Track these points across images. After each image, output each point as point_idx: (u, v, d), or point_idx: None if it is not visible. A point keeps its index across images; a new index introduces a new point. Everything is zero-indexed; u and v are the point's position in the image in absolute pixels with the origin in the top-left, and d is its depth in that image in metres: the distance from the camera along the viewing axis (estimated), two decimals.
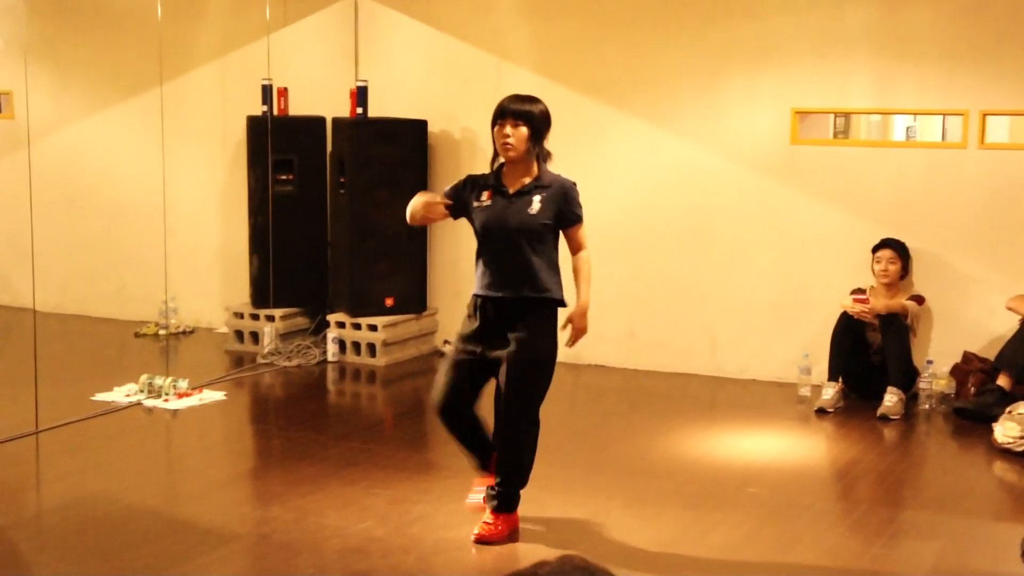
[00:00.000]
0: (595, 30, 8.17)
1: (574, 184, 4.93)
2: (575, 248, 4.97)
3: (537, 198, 4.81)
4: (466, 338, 4.88)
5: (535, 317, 4.81)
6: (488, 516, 4.91)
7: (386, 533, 4.96)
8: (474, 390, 4.97)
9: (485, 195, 4.86)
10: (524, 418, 4.89)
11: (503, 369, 4.79)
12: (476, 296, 4.88)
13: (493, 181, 4.89)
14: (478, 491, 5.06)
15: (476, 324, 4.85)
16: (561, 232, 4.93)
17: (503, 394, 4.82)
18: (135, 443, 6.53)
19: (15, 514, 5.30)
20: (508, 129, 4.80)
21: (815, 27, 7.64)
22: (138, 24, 9.00)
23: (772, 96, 7.76)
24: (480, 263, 4.88)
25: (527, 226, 4.78)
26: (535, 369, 4.83)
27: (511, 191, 4.84)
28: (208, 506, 5.38)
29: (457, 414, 4.99)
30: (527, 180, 4.85)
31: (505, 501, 4.90)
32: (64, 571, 4.63)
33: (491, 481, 4.97)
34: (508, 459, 4.89)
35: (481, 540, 4.83)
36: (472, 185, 4.94)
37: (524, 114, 4.81)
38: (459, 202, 4.92)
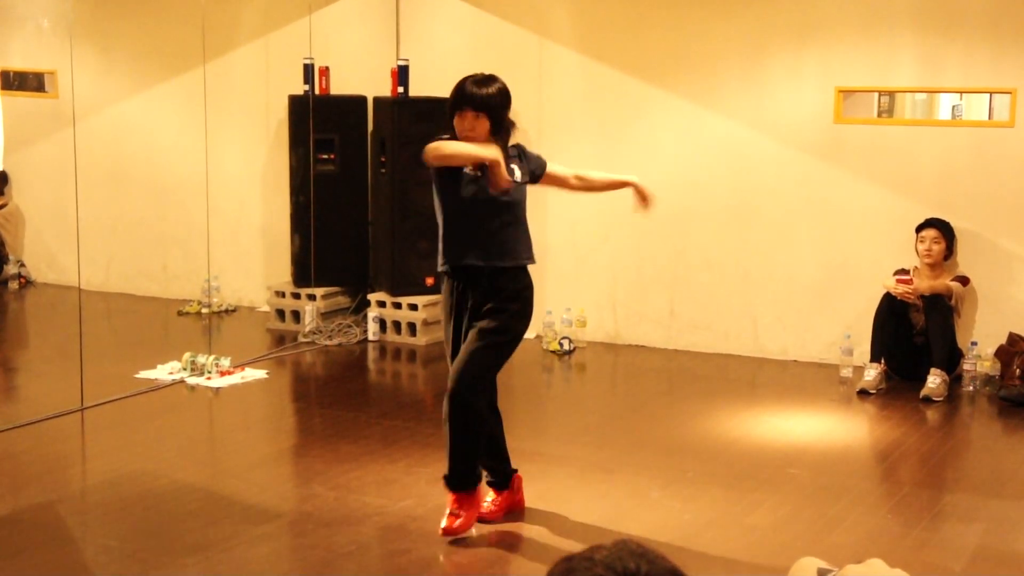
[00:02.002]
0: (637, 9, 8.13)
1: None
2: (566, 176, 5.06)
3: (515, 166, 4.76)
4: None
5: (519, 287, 4.83)
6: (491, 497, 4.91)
7: (426, 512, 4.98)
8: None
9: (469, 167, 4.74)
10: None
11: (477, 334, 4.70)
12: (456, 266, 4.76)
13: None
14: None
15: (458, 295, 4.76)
16: (543, 182, 4.96)
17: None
18: (178, 420, 6.60)
19: (61, 489, 5.38)
20: (468, 121, 4.64)
21: (860, 5, 7.57)
22: (182, 3, 9.05)
23: (816, 75, 7.70)
24: (456, 232, 4.76)
25: (515, 195, 4.76)
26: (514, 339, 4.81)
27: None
28: (250, 483, 5.43)
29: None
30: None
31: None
32: (109, 545, 4.69)
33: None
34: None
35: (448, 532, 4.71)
36: None
37: (485, 103, 4.63)
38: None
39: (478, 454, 4.77)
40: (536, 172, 4.90)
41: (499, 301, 4.73)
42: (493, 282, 4.74)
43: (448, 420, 4.65)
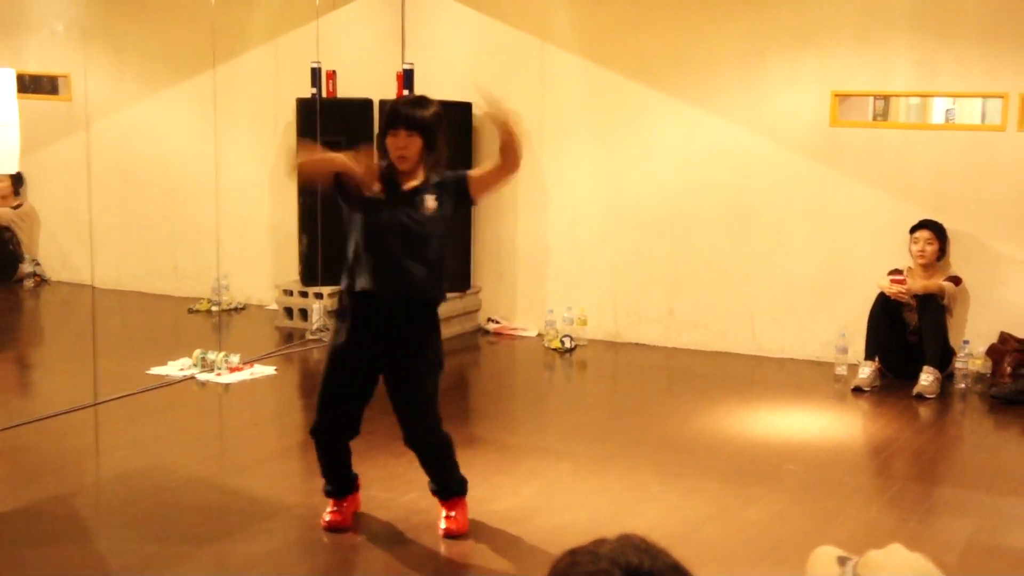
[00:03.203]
0: (637, 12, 8.14)
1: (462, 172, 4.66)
2: (487, 168, 4.63)
3: (431, 196, 4.48)
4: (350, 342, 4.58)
5: (421, 320, 4.58)
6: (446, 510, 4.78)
7: (430, 505, 4.98)
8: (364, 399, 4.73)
9: (377, 185, 4.50)
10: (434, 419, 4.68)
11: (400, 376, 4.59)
12: (355, 293, 4.55)
13: (387, 172, 4.50)
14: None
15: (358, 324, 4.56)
16: (474, 190, 4.59)
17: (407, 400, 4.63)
18: (189, 415, 6.61)
19: (76, 482, 5.40)
20: (402, 140, 4.43)
21: (856, 10, 7.57)
22: (192, 8, 9.06)
23: (813, 79, 7.71)
24: (357, 257, 4.55)
25: (417, 227, 4.46)
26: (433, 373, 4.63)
27: (403, 188, 4.49)
28: (259, 477, 5.45)
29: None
30: (418, 181, 4.50)
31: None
32: (122, 536, 4.70)
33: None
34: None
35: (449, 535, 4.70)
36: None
37: (419, 123, 4.43)
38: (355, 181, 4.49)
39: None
40: (460, 189, 4.57)
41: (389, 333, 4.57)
42: (380, 312, 4.54)
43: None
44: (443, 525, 4.73)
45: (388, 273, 4.49)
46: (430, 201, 4.49)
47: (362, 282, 4.51)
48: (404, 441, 4.69)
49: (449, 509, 4.75)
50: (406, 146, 4.44)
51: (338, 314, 4.75)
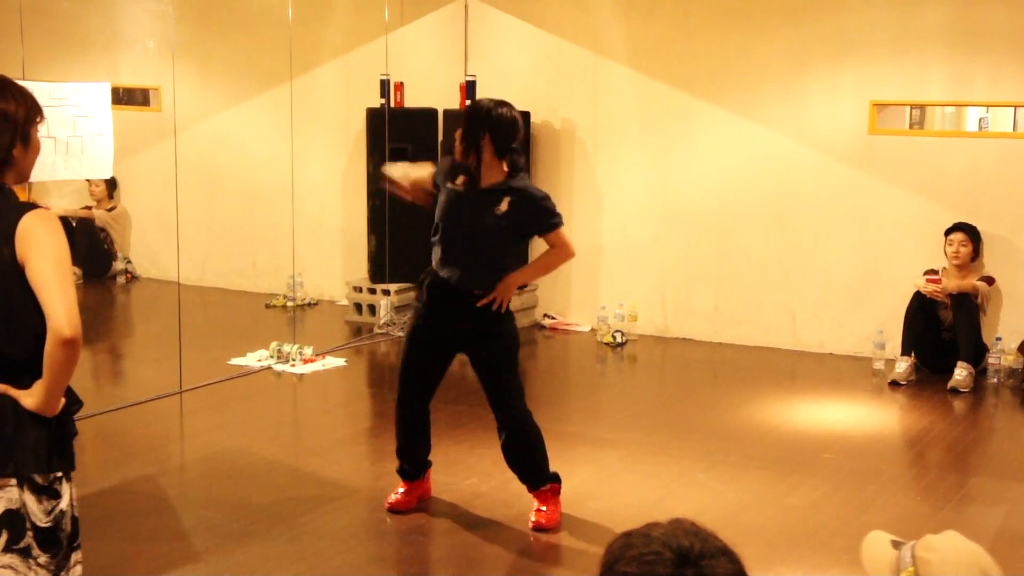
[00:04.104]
0: (686, 28, 8.08)
1: (545, 195, 4.55)
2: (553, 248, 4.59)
3: (506, 200, 4.43)
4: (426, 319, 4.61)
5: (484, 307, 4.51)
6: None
7: (490, 489, 5.00)
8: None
9: (460, 179, 4.52)
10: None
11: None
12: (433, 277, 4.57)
13: (472, 170, 4.50)
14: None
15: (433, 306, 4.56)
16: (540, 237, 4.56)
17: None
18: (266, 403, 6.66)
19: (162, 464, 5.46)
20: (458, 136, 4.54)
21: (893, 23, 7.47)
22: (271, 25, 9.14)
23: (851, 89, 7.61)
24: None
25: (489, 224, 4.43)
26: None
27: (483, 186, 4.47)
28: (330, 461, 5.48)
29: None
30: (499, 179, 4.48)
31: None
32: (204, 515, 4.76)
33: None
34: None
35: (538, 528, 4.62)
36: (452, 168, 4.61)
37: (479, 122, 4.46)
38: (436, 186, 4.64)
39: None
40: (534, 224, 4.51)
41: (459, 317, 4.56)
42: (449, 298, 4.54)
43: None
44: (532, 518, 4.61)
45: (452, 260, 4.51)
46: (504, 204, 4.44)
47: (434, 264, 4.58)
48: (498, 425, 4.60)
49: (542, 502, 4.63)
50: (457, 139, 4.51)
51: (418, 289, 4.74)
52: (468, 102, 8.31)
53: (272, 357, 7.32)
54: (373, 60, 8.85)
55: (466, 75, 8.56)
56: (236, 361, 7.29)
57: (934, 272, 7.14)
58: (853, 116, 7.62)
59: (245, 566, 4.24)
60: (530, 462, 4.63)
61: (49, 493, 2.71)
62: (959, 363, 6.84)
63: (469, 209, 4.47)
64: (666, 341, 8.18)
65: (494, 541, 4.54)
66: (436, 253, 4.55)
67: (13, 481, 2.67)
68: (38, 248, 2.62)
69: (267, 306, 9.21)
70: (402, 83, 8.74)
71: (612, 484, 5.14)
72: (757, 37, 7.86)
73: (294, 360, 7.26)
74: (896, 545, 2.12)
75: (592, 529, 4.60)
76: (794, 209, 7.85)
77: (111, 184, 10.03)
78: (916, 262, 7.34)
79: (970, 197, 7.32)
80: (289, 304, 9.13)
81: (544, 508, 4.62)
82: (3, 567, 2.69)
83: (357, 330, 8.44)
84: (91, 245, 9.88)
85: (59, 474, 2.73)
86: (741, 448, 5.69)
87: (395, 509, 4.73)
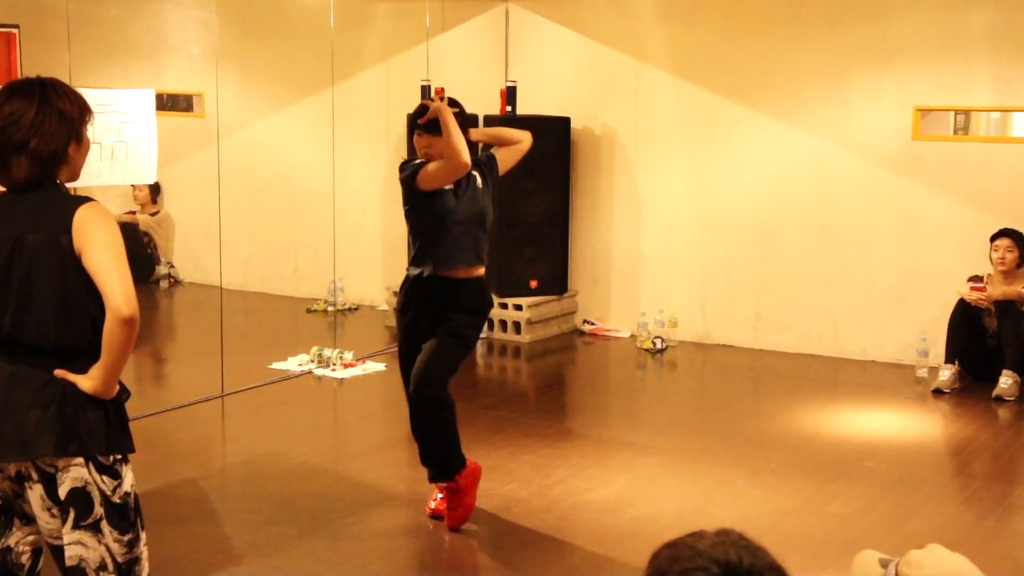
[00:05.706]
0: (727, 34, 8.05)
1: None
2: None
3: (477, 175, 4.71)
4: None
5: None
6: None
7: (529, 495, 4.99)
8: None
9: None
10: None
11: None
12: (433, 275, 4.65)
13: None
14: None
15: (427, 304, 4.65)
16: (501, 165, 4.86)
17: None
18: (306, 407, 6.70)
19: (204, 467, 5.50)
20: (426, 139, 4.72)
21: (937, 28, 7.39)
22: (314, 32, 9.19)
23: (895, 94, 7.54)
24: (438, 242, 4.67)
25: (486, 207, 4.72)
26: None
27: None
28: (370, 465, 5.50)
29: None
30: None
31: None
32: (245, 518, 4.78)
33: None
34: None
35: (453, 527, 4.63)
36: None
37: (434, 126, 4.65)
38: None
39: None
40: (491, 165, 4.83)
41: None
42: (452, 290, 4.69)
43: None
44: (431, 505, 4.66)
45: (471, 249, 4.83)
46: (479, 179, 4.73)
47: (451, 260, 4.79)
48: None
49: (441, 492, 4.66)
50: (431, 145, 4.70)
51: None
52: (508, 108, 8.34)
53: (313, 361, 7.35)
54: (414, 66, 8.87)
55: (507, 80, 8.57)
56: (277, 365, 7.33)
57: (979, 278, 7.05)
58: (896, 122, 7.55)
59: (285, 569, 4.26)
60: (434, 447, 4.58)
61: (111, 474, 2.81)
62: (1004, 371, 6.76)
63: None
64: (706, 348, 8.14)
65: (533, 547, 4.53)
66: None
67: (78, 460, 2.76)
68: (94, 236, 2.73)
69: (308, 311, 9.25)
70: (443, 88, 8.74)
71: (651, 490, 5.12)
72: (799, 43, 7.81)
73: (334, 364, 7.29)
74: (884, 564, 2.11)
75: (631, 535, 4.58)
76: (836, 215, 7.79)
77: (155, 189, 10.12)
78: (960, 268, 7.26)
79: (1016, 203, 7.23)
80: (330, 309, 9.18)
81: (441, 497, 4.67)
82: (74, 543, 2.78)
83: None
84: (135, 250, 9.94)
85: (119, 456, 2.83)
86: (782, 456, 5.65)
87: (436, 515, 4.74)
